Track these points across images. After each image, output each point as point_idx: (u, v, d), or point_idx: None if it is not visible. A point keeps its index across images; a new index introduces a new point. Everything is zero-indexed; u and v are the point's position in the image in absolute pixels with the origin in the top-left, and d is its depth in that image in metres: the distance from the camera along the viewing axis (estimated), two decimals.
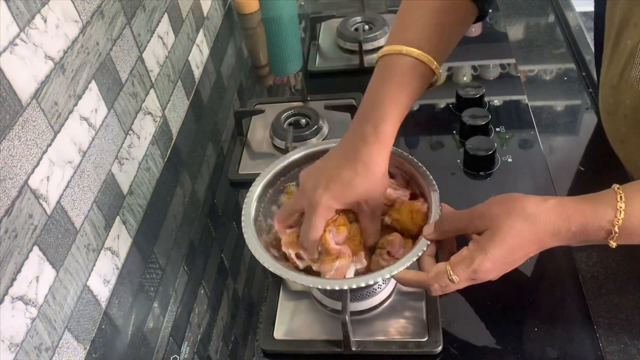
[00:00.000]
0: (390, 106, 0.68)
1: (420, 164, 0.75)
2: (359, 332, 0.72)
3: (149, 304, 0.82)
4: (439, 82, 0.73)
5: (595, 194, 0.59)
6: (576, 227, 0.58)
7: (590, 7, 0.88)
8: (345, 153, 0.69)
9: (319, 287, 0.65)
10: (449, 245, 0.67)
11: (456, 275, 0.61)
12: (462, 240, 0.65)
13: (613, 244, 0.58)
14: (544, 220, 0.59)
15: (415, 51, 0.68)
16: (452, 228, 0.65)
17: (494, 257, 0.60)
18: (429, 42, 0.70)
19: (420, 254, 0.65)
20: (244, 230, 0.71)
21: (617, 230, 0.56)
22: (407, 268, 0.64)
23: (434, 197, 0.70)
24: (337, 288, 0.64)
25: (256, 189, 0.76)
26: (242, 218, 0.72)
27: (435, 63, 0.69)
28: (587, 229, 0.58)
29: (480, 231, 0.62)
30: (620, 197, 0.57)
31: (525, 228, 0.59)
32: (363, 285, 0.64)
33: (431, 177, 0.73)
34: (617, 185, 0.58)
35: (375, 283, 0.65)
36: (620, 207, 0.56)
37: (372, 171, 0.68)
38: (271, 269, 0.67)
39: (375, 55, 0.74)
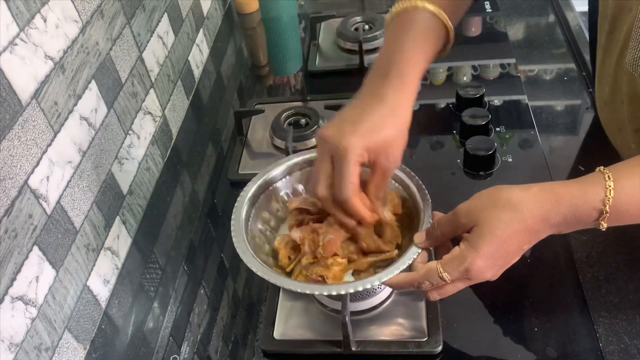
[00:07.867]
0: (414, 51, 0.65)
1: (412, 173, 0.73)
2: (358, 332, 0.72)
3: (149, 304, 0.82)
4: (450, 45, 0.71)
5: (580, 177, 0.59)
6: (566, 209, 0.57)
7: None
8: (370, 99, 0.65)
9: (308, 292, 0.64)
10: (444, 250, 0.65)
11: (447, 273, 0.59)
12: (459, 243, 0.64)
13: (604, 225, 0.57)
14: (532, 206, 0.58)
15: (432, 7, 0.67)
16: (443, 232, 0.64)
17: (485, 253, 0.58)
18: (444, 2, 0.68)
19: (410, 262, 0.63)
20: (233, 235, 0.68)
21: (608, 209, 0.56)
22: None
23: (426, 206, 0.69)
24: (316, 293, 0.62)
25: (249, 190, 0.74)
26: (232, 222, 0.70)
27: (450, 23, 0.68)
28: (578, 211, 0.57)
29: (469, 229, 0.60)
30: (608, 176, 0.56)
31: (513, 217, 0.58)
32: (352, 291, 0.62)
33: (423, 186, 0.71)
34: (602, 167, 0.58)
35: (365, 289, 0.64)
36: (610, 186, 0.56)
37: (399, 116, 0.64)
38: (260, 274, 0.64)
39: (386, 15, 0.71)
